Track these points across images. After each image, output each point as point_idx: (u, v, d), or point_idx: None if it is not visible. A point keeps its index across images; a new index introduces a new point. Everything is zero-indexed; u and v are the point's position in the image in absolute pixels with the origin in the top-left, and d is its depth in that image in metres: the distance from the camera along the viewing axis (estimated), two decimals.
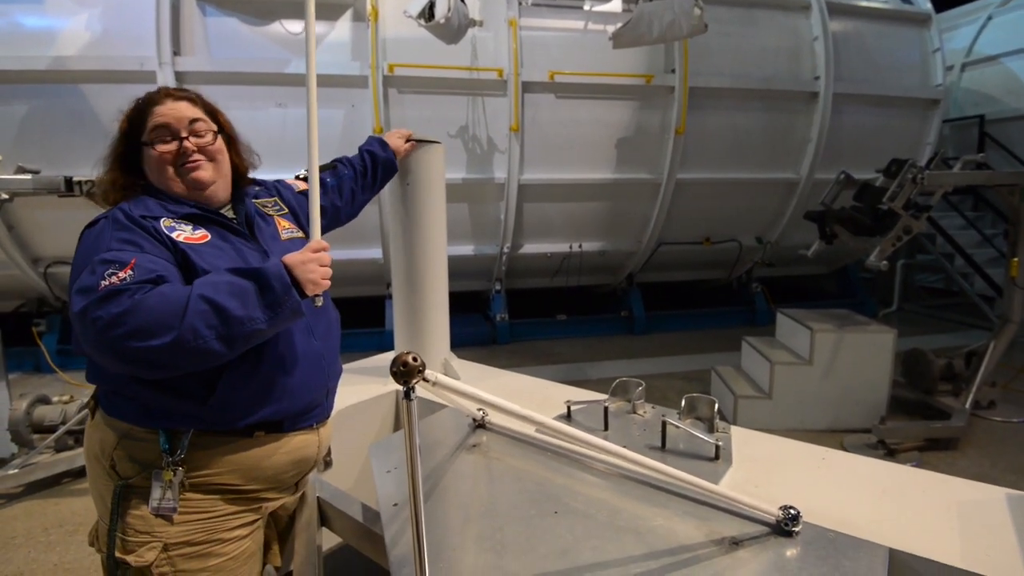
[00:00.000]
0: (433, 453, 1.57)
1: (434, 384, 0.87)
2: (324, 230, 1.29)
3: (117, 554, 1.10)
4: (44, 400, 3.21)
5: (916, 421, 3.65)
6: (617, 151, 5.46)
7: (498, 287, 6.11)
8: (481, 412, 1.74)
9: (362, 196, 1.76)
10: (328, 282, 1.12)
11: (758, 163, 5.88)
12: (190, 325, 0.94)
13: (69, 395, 3.30)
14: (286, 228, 1.38)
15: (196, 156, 1.20)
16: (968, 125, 7.76)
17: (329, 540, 1.75)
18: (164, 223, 1.13)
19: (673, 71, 5.34)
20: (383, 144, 1.84)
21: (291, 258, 1.08)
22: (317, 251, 1.10)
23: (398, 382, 0.83)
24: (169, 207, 1.18)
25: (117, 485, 1.12)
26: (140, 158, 1.21)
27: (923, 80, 6.21)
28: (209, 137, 1.23)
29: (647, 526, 1.19)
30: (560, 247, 5.90)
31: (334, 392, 1.38)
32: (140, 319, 0.93)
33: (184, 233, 1.14)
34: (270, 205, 1.42)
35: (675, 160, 5.51)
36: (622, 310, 6.63)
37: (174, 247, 1.11)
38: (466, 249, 5.68)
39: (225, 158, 1.27)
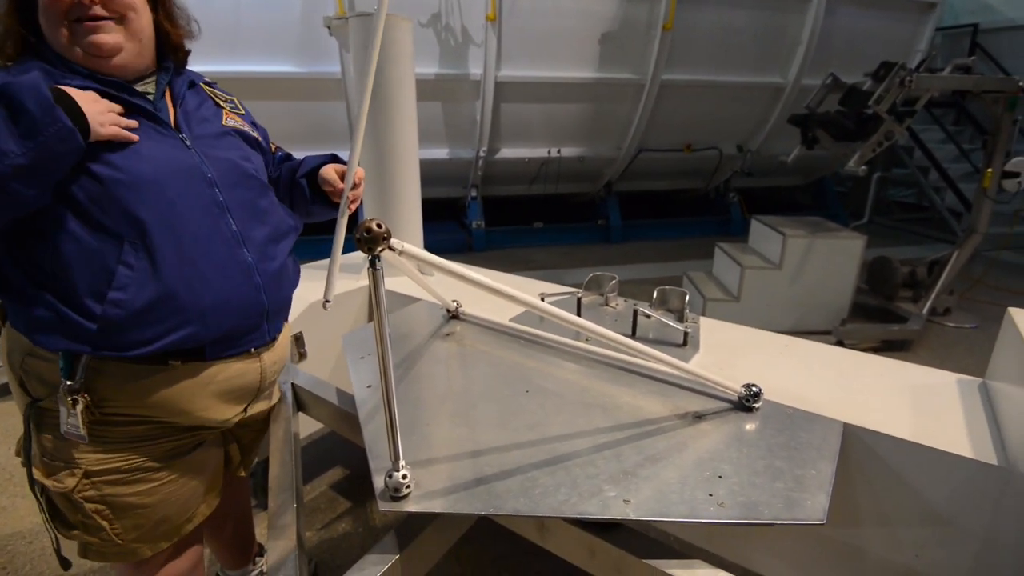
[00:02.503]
0: (407, 341, 1.57)
1: (400, 252, 0.83)
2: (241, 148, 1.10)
3: (36, 476, 1.01)
4: None
5: (874, 324, 3.81)
6: (601, 47, 5.17)
7: (474, 194, 5.98)
8: (455, 303, 1.74)
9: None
10: (116, 129, 0.90)
11: (746, 66, 5.66)
12: None
13: None
14: (232, 118, 1.14)
15: (97, 10, 0.92)
16: (961, 34, 7.52)
17: (307, 430, 1.79)
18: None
19: None
20: (316, 165, 1.26)
21: (76, 91, 0.87)
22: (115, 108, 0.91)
23: (363, 249, 0.80)
24: (57, 77, 0.92)
25: (28, 404, 1.00)
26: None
27: None
28: None
29: (614, 403, 1.22)
30: (538, 152, 5.73)
31: (282, 313, 1.18)
32: None
33: None
34: (224, 100, 1.18)
35: (661, 59, 5.26)
36: (599, 218, 6.60)
37: None
38: (440, 153, 5.48)
39: (141, 18, 0.98)
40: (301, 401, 1.53)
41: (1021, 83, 3.59)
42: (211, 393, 1.06)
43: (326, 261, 2.49)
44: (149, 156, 0.96)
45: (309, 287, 1.44)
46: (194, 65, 1.17)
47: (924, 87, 3.33)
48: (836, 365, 1.48)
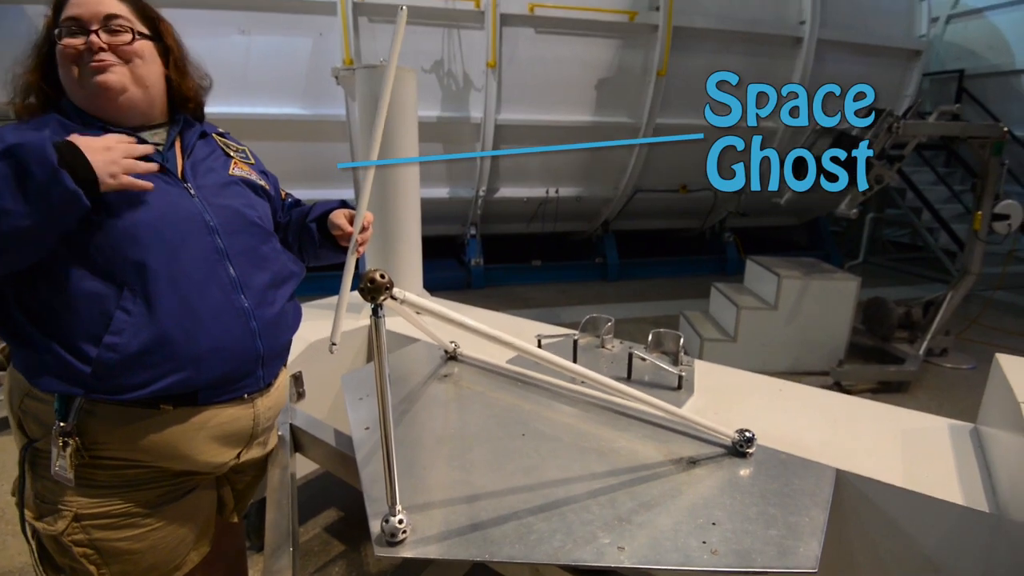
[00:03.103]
0: (406, 382, 1.58)
1: (401, 302, 0.86)
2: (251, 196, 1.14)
3: (28, 517, 1.02)
4: None
5: (871, 365, 3.83)
6: (597, 93, 5.34)
7: (473, 231, 6.07)
8: (453, 344, 1.76)
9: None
10: (120, 181, 0.91)
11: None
12: None
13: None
14: (240, 167, 1.17)
15: (104, 56, 0.97)
16: (948, 79, 7.78)
17: (304, 470, 1.79)
18: None
19: (657, 8, 5.18)
20: (327, 210, 1.30)
21: (89, 140, 0.88)
22: (125, 140, 0.93)
23: (366, 298, 0.83)
24: (72, 129, 0.96)
25: (24, 445, 1.01)
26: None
27: (907, 30, 6.15)
28: (126, 36, 1.00)
29: (610, 447, 1.23)
30: (537, 192, 5.85)
31: (279, 359, 1.18)
32: None
33: None
34: (235, 150, 1.21)
35: (655, 104, 5.43)
36: (597, 256, 6.67)
37: None
38: (441, 192, 5.59)
39: (149, 65, 1.04)
40: (299, 442, 1.54)
41: (1005, 128, 3.71)
42: (203, 438, 1.06)
43: (326, 300, 2.51)
44: (153, 205, 0.98)
45: (309, 326, 1.47)
46: (205, 106, 1.23)
47: (911, 133, 3.44)
48: (829, 410, 1.49)
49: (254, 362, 1.08)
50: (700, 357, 3.82)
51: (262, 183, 1.22)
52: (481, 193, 5.61)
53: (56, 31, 0.98)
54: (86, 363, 0.93)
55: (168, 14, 1.14)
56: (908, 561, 1.17)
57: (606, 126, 5.51)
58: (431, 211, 5.87)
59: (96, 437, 0.97)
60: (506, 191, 5.78)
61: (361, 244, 1.14)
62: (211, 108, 1.25)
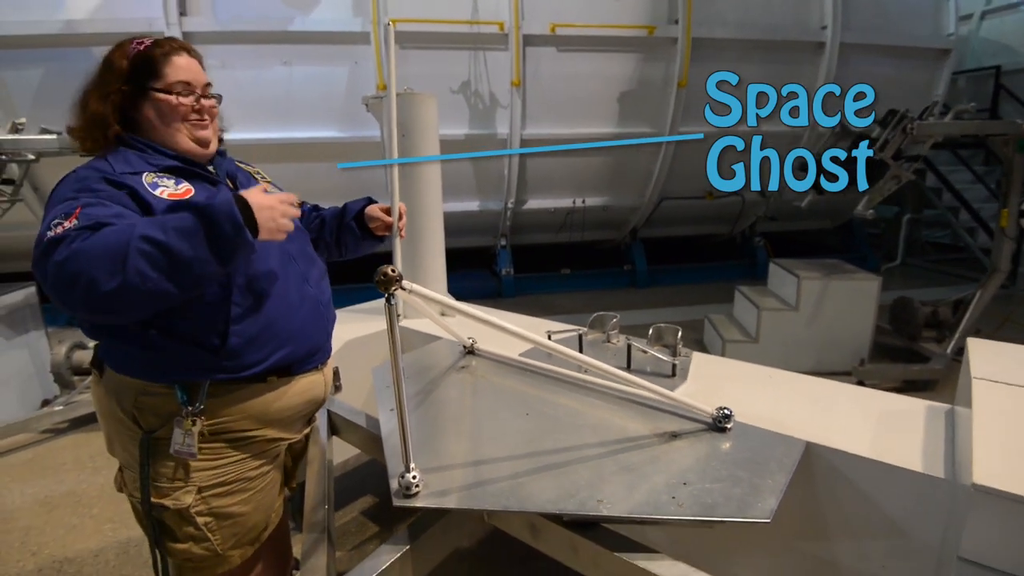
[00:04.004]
0: (427, 373, 1.78)
1: (410, 292, 1.06)
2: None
3: (154, 499, 1.16)
4: (81, 346, 3.49)
5: (895, 364, 3.82)
6: (619, 105, 5.50)
7: (503, 242, 6.28)
8: (471, 340, 1.95)
9: (325, 248, 1.58)
10: (284, 235, 1.09)
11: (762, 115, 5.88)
12: (135, 268, 0.91)
13: None
14: (268, 188, 1.41)
15: (205, 116, 1.24)
16: (985, 76, 7.61)
17: (341, 457, 1.99)
18: (146, 179, 1.13)
19: (676, 22, 5.32)
20: (361, 208, 1.57)
21: (257, 198, 1.04)
22: (286, 201, 1.10)
23: (379, 288, 1.02)
24: (150, 159, 1.17)
25: (143, 437, 1.15)
26: (132, 104, 1.20)
27: (934, 29, 6.09)
28: (214, 101, 1.27)
29: (602, 424, 1.39)
30: (564, 202, 6.02)
31: (331, 336, 1.42)
32: (80, 265, 0.90)
33: (168, 189, 1.14)
34: (253, 172, 1.46)
35: (677, 114, 5.55)
36: (625, 264, 6.78)
37: (156, 205, 1.09)
38: (471, 205, 5.83)
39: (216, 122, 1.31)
40: (335, 426, 1.75)
41: None
42: (295, 402, 1.29)
43: (358, 306, 2.75)
44: None
45: (344, 328, 1.69)
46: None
47: (926, 133, 3.47)
48: (812, 393, 1.61)
49: (326, 337, 1.36)
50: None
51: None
52: (510, 205, 5.82)
53: (162, 87, 1.19)
54: (213, 352, 1.14)
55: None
56: (879, 528, 1.28)
57: (629, 136, 5.66)
58: (462, 224, 6.16)
59: (216, 413, 1.17)
60: (534, 202, 5.98)
61: (401, 229, 1.52)
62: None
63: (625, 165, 5.89)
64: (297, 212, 1.15)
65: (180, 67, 1.21)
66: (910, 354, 4.07)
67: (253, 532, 1.30)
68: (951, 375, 3.78)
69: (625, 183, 6.06)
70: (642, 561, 1.07)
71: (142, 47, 1.22)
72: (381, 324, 2.37)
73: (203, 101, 1.24)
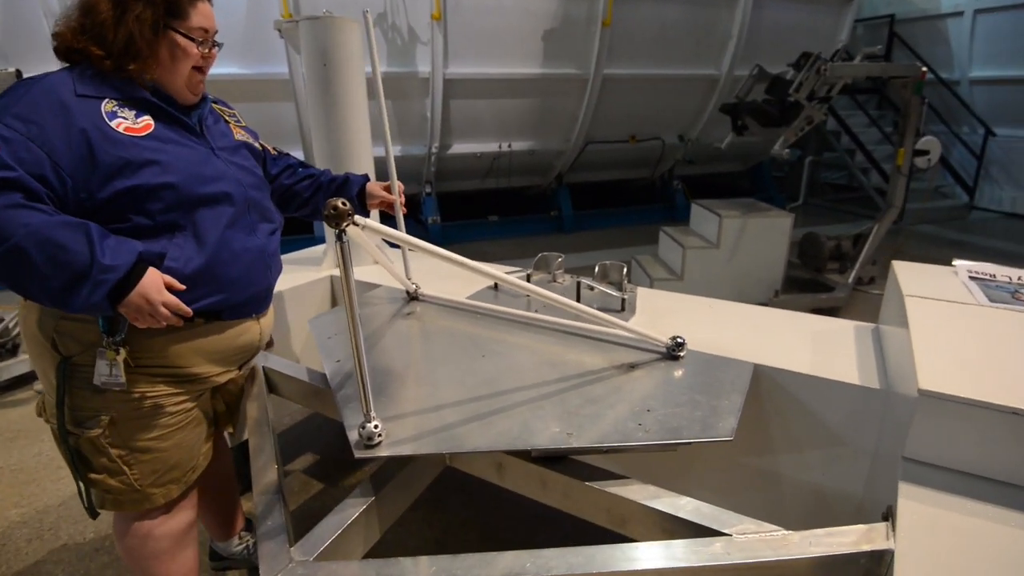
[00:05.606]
0: (371, 322, 1.69)
1: (363, 228, 0.96)
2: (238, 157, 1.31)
3: (67, 426, 1.16)
4: None
5: (806, 294, 4.13)
6: (544, 44, 5.34)
7: (428, 189, 6.07)
8: (415, 285, 1.86)
9: (300, 205, 1.59)
10: (141, 324, 1.09)
11: (682, 59, 5.95)
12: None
13: None
14: (240, 133, 1.38)
15: (207, 66, 1.22)
16: (879, 25, 8.09)
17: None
18: (106, 106, 1.08)
19: None
20: (361, 185, 1.62)
21: (148, 287, 1.04)
22: (171, 307, 1.08)
23: (330, 224, 0.92)
24: (122, 88, 1.11)
25: (60, 362, 1.13)
26: (141, 32, 1.10)
27: None
28: (217, 50, 1.24)
29: (560, 360, 1.38)
30: (490, 147, 5.87)
31: (273, 290, 1.40)
32: None
33: (125, 122, 1.09)
34: (228, 114, 1.41)
35: (602, 55, 5.48)
36: (552, 210, 6.79)
37: (101, 138, 1.04)
38: (393, 150, 5.54)
39: None
40: (272, 383, 1.63)
41: (924, 68, 3.96)
42: (225, 345, 1.27)
43: (292, 255, 2.56)
44: (203, 170, 1.18)
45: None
46: None
47: (838, 75, 3.63)
48: (751, 319, 1.68)
49: (267, 289, 1.34)
50: None
51: (256, 145, 1.44)
52: (434, 150, 5.59)
53: (184, 30, 1.14)
54: None
55: None
56: (820, 438, 1.37)
57: (555, 78, 5.54)
58: (385, 170, 5.82)
59: (139, 346, 1.14)
60: (459, 147, 5.78)
61: (403, 205, 1.64)
62: None
63: (551, 108, 5.79)
64: (177, 321, 1.13)
65: (203, 13, 1.18)
66: (816, 285, 4.40)
67: (176, 471, 1.27)
68: (853, 302, 4.14)
69: (551, 127, 5.99)
70: (613, 487, 1.08)
71: None
72: (312, 274, 2.21)
73: (213, 50, 1.22)
